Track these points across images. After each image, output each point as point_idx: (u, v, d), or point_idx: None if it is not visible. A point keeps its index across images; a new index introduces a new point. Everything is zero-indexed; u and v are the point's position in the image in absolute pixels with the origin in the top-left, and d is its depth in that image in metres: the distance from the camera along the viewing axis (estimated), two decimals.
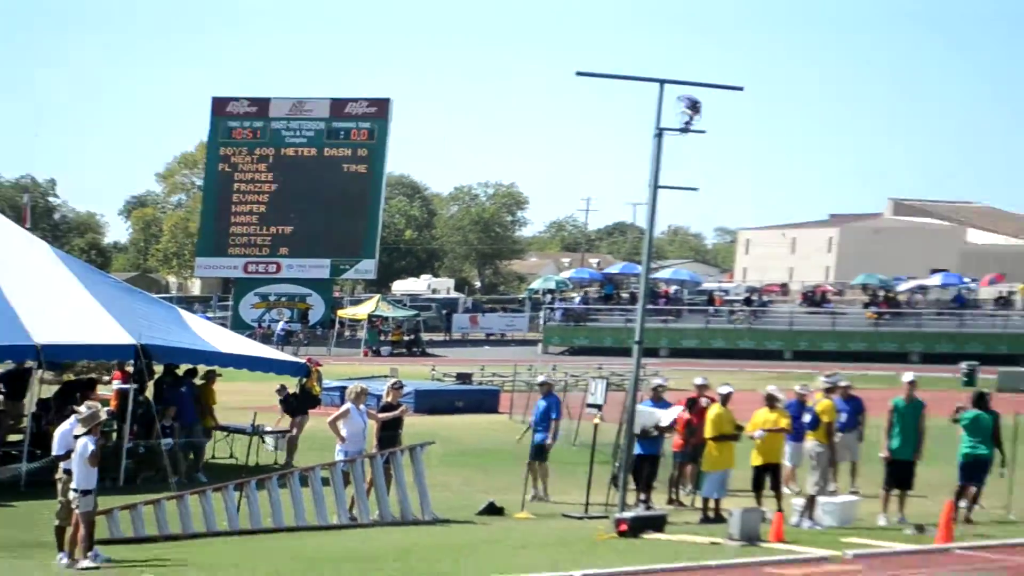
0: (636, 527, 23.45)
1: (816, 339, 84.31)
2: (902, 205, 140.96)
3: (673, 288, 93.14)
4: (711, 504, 25.78)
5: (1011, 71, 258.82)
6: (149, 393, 31.63)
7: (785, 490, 26.81)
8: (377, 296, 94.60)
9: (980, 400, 25.67)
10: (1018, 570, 19.76)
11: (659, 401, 28.08)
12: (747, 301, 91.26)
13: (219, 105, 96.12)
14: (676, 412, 27.67)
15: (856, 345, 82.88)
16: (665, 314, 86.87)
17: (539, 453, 29.43)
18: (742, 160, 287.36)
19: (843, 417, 27.92)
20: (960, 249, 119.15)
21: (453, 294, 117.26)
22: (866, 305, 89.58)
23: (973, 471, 25.12)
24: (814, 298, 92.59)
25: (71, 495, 20.52)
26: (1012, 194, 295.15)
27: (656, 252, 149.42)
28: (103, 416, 21.61)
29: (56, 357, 31.98)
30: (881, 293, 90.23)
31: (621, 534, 23.28)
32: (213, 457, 33.46)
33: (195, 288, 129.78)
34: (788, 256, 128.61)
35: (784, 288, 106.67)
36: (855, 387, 29.71)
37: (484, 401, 48.95)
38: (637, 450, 26.14)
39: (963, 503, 24.98)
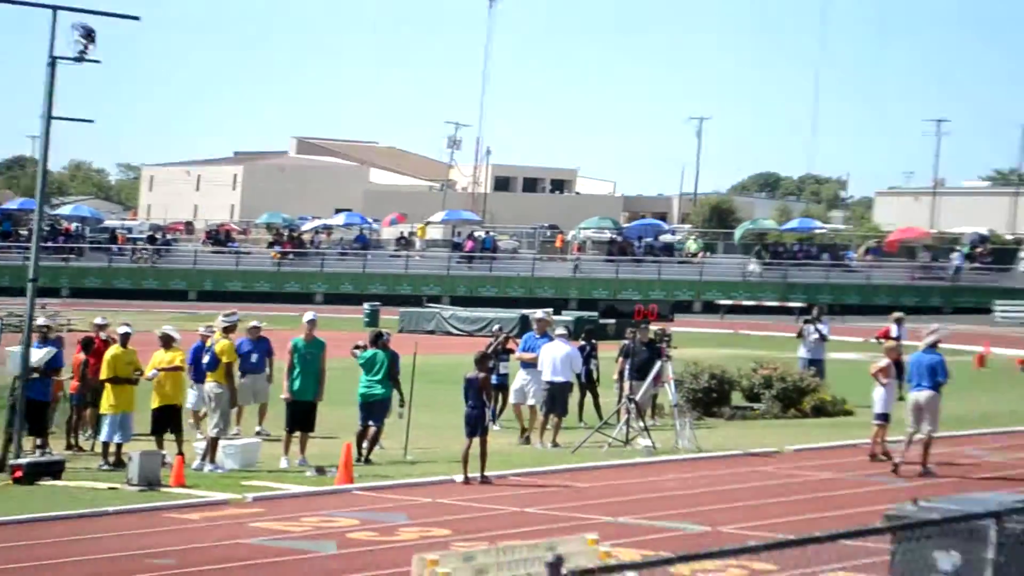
0: (32, 474, 22.60)
1: (221, 279, 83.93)
2: (306, 143, 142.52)
3: (74, 225, 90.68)
4: (111, 448, 25.03)
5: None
6: None
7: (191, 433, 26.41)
8: None
9: (377, 339, 25.91)
10: (415, 510, 20.11)
11: (47, 342, 26.92)
12: (151, 240, 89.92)
13: None
14: (47, 353, 26.44)
15: (261, 285, 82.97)
16: (66, 252, 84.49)
17: None
18: (145, 94, 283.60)
19: (253, 358, 27.77)
20: (364, 189, 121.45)
21: None
22: (270, 244, 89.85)
23: (371, 411, 25.33)
24: (218, 237, 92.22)
25: None
26: (413, 134, 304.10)
27: (56, 187, 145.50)
28: None
29: None
30: (285, 232, 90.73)
31: (16, 481, 22.44)
32: None
33: None
34: (193, 194, 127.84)
35: (189, 226, 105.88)
36: (264, 328, 29.50)
37: None
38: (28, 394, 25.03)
39: (365, 444, 25.21)
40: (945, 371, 24.26)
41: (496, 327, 33.58)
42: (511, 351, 29.90)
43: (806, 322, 37.03)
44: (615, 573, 7.52)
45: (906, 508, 10.36)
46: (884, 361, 26.04)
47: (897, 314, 33.40)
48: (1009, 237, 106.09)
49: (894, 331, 36.91)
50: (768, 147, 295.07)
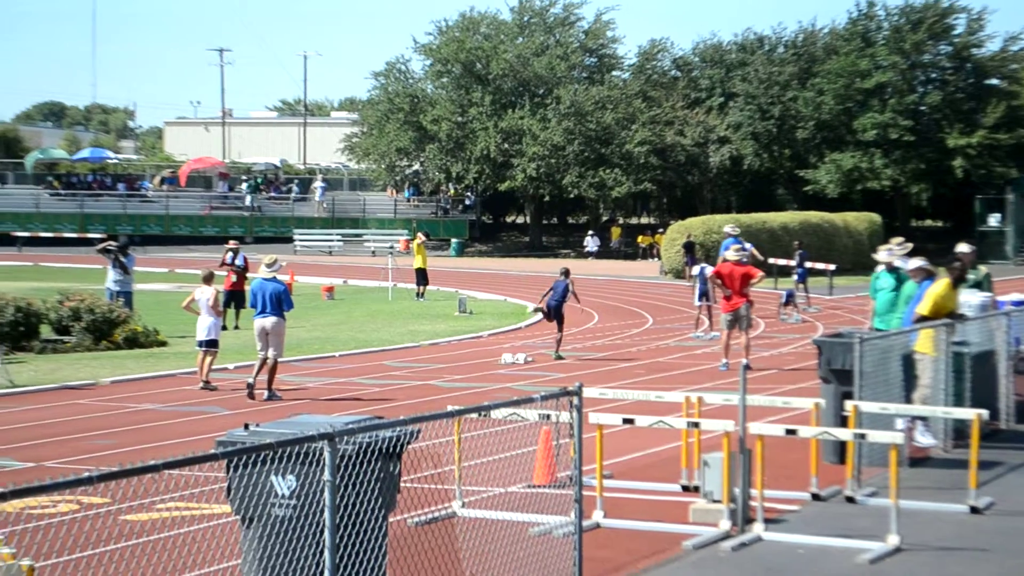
0: None
1: None
2: None
3: None
4: None
5: None
6: None
7: None
8: None
9: None
10: None
11: None
12: None
13: None
14: None
15: None
16: None
17: None
18: None
19: None
20: None
21: None
22: None
23: None
24: None
25: None
26: None
27: None
28: None
29: None
30: None
31: None
32: None
33: None
34: None
35: None
36: None
37: None
38: None
39: None
40: (289, 299, 24.83)
41: None
42: None
43: (106, 252, 36.15)
44: None
45: (237, 434, 10.50)
46: (198, 292, 26.17)
47: (232, 243, 34.24)
48: (301, 167, 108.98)
49: (229, 258, 37.29)
50: (51, 76, 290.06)
